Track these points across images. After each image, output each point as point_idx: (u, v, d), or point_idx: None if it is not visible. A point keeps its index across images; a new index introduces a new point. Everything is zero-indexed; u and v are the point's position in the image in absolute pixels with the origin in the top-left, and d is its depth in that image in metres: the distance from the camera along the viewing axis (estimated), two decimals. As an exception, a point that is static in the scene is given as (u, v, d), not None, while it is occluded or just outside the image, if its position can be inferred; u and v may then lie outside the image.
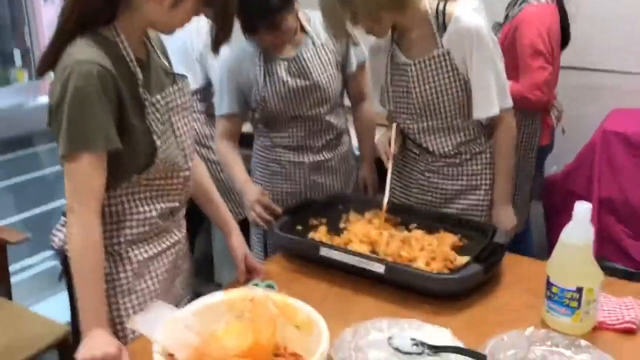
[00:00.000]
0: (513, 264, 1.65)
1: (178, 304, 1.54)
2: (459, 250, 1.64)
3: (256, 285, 1.56)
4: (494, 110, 1.78)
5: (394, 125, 1.91)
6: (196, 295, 1.40)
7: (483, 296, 1.50)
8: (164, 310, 1.18)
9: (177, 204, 1.46)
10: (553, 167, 3.06)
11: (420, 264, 1.55)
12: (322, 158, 2.09)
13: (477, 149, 1.87)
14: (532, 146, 2.65)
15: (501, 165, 1.86)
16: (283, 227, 1.74)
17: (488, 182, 1.88)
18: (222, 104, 2.04)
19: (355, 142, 2.28)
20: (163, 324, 1.14)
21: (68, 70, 1.24)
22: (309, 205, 1.92)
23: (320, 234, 1.74)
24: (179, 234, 1.52)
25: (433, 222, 1.79)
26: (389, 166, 1.87)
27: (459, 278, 1.44)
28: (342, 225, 1.82)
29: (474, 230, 1.73)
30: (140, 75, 1.34)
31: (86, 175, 1.26)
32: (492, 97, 1.77)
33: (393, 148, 1.88)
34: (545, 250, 3.04)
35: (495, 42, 1.78)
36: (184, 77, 1.47)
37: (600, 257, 2.77)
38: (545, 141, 2.71)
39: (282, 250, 1.75)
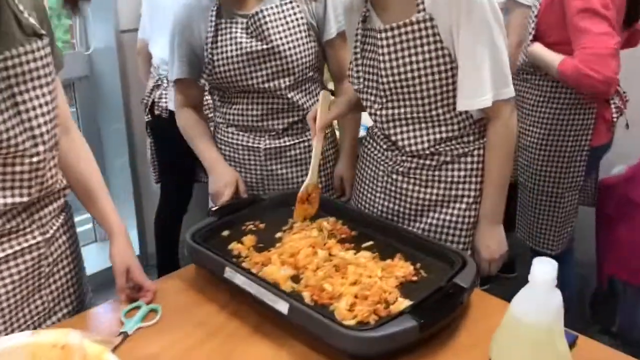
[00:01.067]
0: (482, 311, 1.22)
1: (41, 322, 1.24)
2: (409, 287, 1.22)
3: (138, 307, 1.24)
4: (485, 101, 1.31)
5: (322, 92, 1.51)
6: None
7: (415, 363, 1.08)
8: None
9: (25, 199, 1.14)
10: (617, 166, 2.48)
11: (342, 304, 1.15)
12: (282, 144, 1.70)
13: (461, 150, 1.41)
14: (582, 147, 2.10)
15: (493, 174, 1.40)
16: (201, 231, 1.39)
17: (473, 193, 1.43)
18: (173, 68, 1.70)
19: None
20: None
21: None
22: (252, 203, 1.55)
23: (244, 245, 1.38)
24: (41, 236, 1.20)
25: (395, 240, 1.38)
26: (314, 144, 1.48)
27: (375, 338, 1.03)
28: (279, 234, 1.44)
29: (440, 258, 1.30)
30: None
31: None
32: (484, 82, 1.30)
33: (319, 120, 1.47)
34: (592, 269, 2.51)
35: (496, 8, 1.30)
36: (44, 37, 1.13)
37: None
38: (601, 140, 2.13)
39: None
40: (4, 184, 1.11)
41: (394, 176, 1.47)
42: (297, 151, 1.71)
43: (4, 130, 1.06)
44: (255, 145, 1.69)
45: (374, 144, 1.53)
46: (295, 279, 1.26)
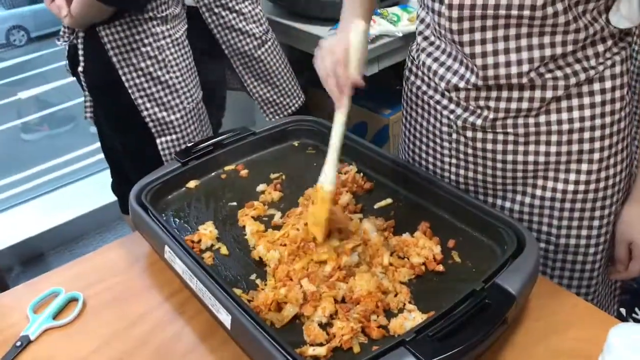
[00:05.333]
0: (545, 317, 0.78)
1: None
2: (429, 284, 0.80)
3: (57, 293, 0.91)
4: None
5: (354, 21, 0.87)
6: None
7: None
8: None
9: None
10: None
11: (316, 315, 0.76)
12: None
13: (585, 75, 0.85)
14: None
15: None
16: (155, 183, 1.00)
17: (609, 142, 0.88)
18: None
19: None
20: None
21: None
22: (237, 137, 1.13)
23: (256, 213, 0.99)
24: None
25: (424, 199, 0.94)
26: (337, 118, 0.84)
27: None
28: (261, 186, 1.04)
29: (487, 234, 0.86)
30: None
31: None
32: None
33: (353, 68, 0.83)
34: None
35: None
36: None
37: None
38: None
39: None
40: None
41: (469, 133, 0.92)
42: None
43: None
44: None
45: (424, 73, 0.97)
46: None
